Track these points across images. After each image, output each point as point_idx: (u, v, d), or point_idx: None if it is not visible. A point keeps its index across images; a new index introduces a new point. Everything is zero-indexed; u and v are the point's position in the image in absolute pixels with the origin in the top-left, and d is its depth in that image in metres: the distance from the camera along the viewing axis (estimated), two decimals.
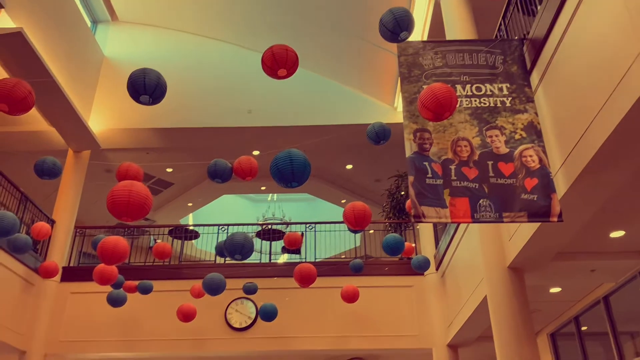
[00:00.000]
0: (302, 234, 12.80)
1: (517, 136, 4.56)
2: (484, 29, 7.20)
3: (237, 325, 9.59)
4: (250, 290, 8.41)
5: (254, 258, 11.52)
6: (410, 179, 4.42)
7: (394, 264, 10.24)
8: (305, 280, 7.06)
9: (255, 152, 11.93)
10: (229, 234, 5.71)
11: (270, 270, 10.16)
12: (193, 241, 12.51)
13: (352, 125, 11.13)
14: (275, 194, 17.24)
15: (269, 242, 11.56)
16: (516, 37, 5.22)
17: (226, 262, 10.21)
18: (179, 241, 11.90)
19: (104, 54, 11.93)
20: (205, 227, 11.14)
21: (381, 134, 5.07)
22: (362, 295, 8.28)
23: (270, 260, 11.01)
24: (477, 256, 6.63)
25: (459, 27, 6.85)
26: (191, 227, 11.72)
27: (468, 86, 4.83)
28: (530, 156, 4.44)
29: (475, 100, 4.76)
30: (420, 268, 8.32)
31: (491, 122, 4.64)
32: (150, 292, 8.33)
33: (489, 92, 4.80)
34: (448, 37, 6.91)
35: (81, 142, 10.95)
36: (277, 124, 11.26)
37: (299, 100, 11.53)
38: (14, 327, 8.86)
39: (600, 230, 5.33)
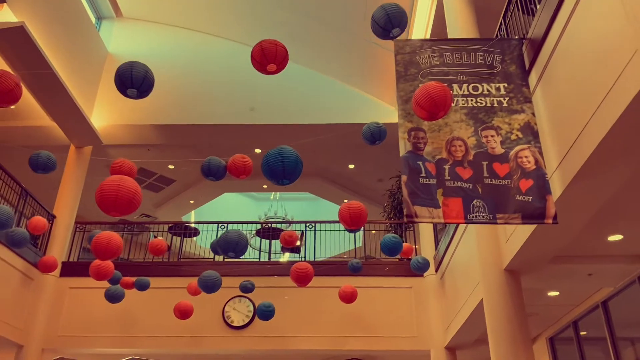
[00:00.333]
0: (302, 233, 12.78)
1: (513, 137, 4.49)
2: (486, 29, 7.13)
3: (234, 324, 9.56)
4: (247, 289, 8.38)
5: (253, 256, 11.54)
6: (404, 178, 4.37)
7: (394, 265, 10.18)
8: (302, 280, 7.03)
9: (257, 150, 11.91)
10: (223, 232, 5.67)
11: (269, 268, 10.12)
12: (194, 238, 12.50)
13: (355, 125, 11.06)
14: (278, 193, 17.22)
15: (269, 241, 11.51)
16: (516, 37, 5.16)
17: (225, 260, 10.19)
18: (180, 238, 11.92)
19: (107, 50, 11.95)
20: (205, 225, 11.13)
21: (376, 134, 5.02)
22: (361, 296, 8.24)
23: (269, 258, 10.97)
24: (474, 258, 6.56)
25: (461, 26, 6.78)
26: (191, 224, 11.71)
27: (465, 85, 4.77)
28: (526, 157, 4.38)
29: (472, 100, 4.70)
30: (420, 269, 8.27)
31: (487, 122, 4.58)
32: (148, 288, 8.33)
33: (485, 92, 4.74)
34: (450, 37, 6.85)
35: (83, 138, 10.97)
36: (279, 121, 11.23)
37: (301, 98, 11.50)
38: (11, 321, 8.89)
39: (598, 234, 5.26)
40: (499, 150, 4.45)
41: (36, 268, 9.30)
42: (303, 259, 10.89)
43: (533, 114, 4.59)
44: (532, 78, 4.81)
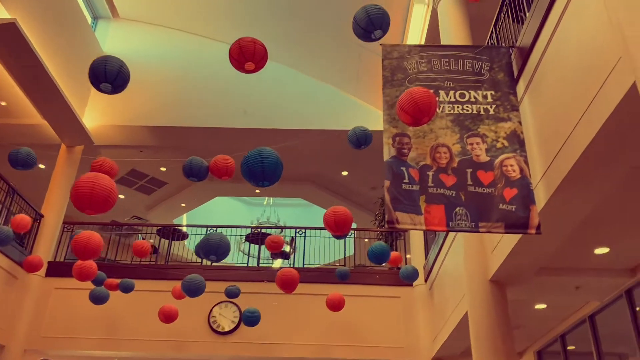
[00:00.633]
0: (292, 239, 12.69)
1: (498, 145, 4.43)
2: (480, 38, 7.10)
3: (220, 329, 9.45)
4: (232, 294, 8.28)
5: (242, 261, 11.43)
6: (387, 183, 4.30)
7: (383, 274, 10.10)
8: (287, 286, 6.93)
9: None
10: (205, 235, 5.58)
11: (257, 274, 10.03)
12: (184, 241, 12.40)
13: (348, 131, 11.02)
14: (271, 199, 17.15)
15: (258, 246, 11.42)
16: (505, 45, 5.12)
17: (213, 264, 10.09)
18: (168, 241, 11.82)
19: (103, 50, 11.90)
20: (195, 228, 11.04)
21: (362, 138, 4.96)
22: (349, 304, 8.15)
23: (258, 264, 10.87)
24: (462, 268, 6.48)
25: (454, 35, 6.76)
26: (179, 227, 11.61)
27: (452, 92, 4.72)
28: (511, 166, 4.31)
29: (458, 107, 4.64)
30: (409, 278, 8.18)
31: (473, 130, 4.52)
32: (132, 290, 8.22)
33: (472, 99, 4.68)
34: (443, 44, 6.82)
35: (74, 137, 10.90)
36: (272, 126, 11.18)
37: (295, 103, 11.46)
38: None
39: (584, 246, 5.19)
40: (484, 158, 4.38)
41: (21, 267, 9.18)
42: (291, 266, 10.79)
43: (520, 123, 4.53)
44: (520, 86, 4.77)
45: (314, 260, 11.26)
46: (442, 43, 6.88)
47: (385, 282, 9.88)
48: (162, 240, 11.61)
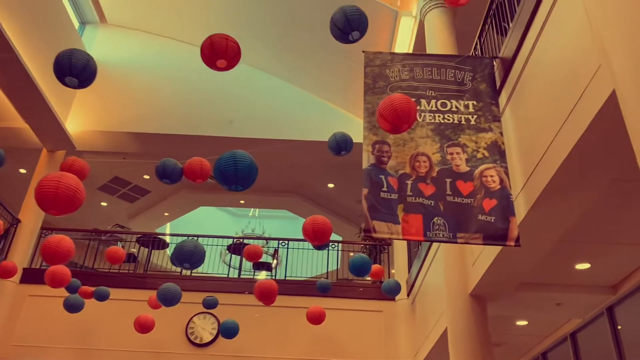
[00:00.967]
0: (275, 250, 12.54)
1: (479, 155, 4.37)
2: (465, 51, 7.08)
3: (197, 341, 9.24)
4: (210, 305, 8.09)
5: (222, 272, 11.24)
6: (365, 191, 4.21)
7: (365, 287, 9.97)
8: (265, 297, 6.78)
9: None
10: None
11: (238, 285, 9.84)
12: (165, 250, 12.19)
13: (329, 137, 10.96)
14: (257, 210, 16.98)
15: (240, 257, 11.24)
16: (488, 56, 5.08)
17: (192, 274, 9.91)
18: (156, 250, 11.61)
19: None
20: (176, 238, 10.85)
21: (342, 144, 4.88)
22: (330, 318, 8.00)
23: (239, 275, 10.69)
24: (442, 282, 6.38)
25: (440, 47, 6.73)
26: (159, 236, 11.42)
27: (433, 101, 4.66)
28: (491, 176, 4.24)
29: (439, 116, 4.58)
30: (391, 292, 8.05)
31: (453, 139, 4.45)
32: (107, 298, 8.00)
33: (454, 109, 4.62)
34: None
35: (56, 142, 10.71)
36: (258, 135, 11.08)
37: (282, 113, 11.39)
38: None
39: (565, 261, 5.12)
40: (464, 168, 4.31)
41: None
42: (274, 278, 10.62)
43: (501, 134, 4.48)
44: (502, 97, 4.72)
45: (298, 273, 11.10)
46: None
47: (368, 296, 9.74)
48: (143, 248, 11.40)
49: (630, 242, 4.71)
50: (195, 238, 10.10)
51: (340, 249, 12.18)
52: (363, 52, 4.92)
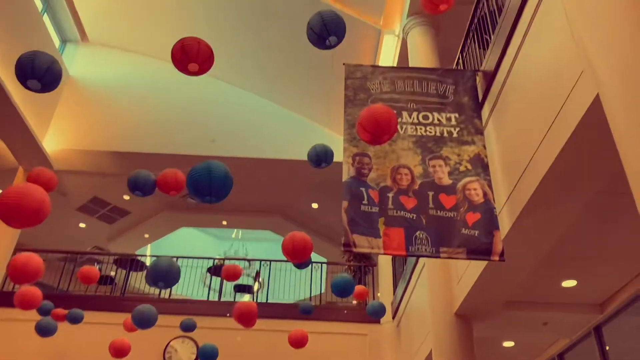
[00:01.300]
0: (258, 273, 12.27)
1: (462, 168, 4.26)
2: (448, 67, 7.08)
3: None
4: (188, 327, 7.80)
5: (202, 295, 10.92)
6: (344, 204, 4.07)
7: (350, 310, 9.74)
8: (245, 320, 6.53)
9: None
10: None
11: (219, 308, 9.55)
12: (144, 272, 11.85)
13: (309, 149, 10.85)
14: (240, 231, 16.71)
15: (220, 279, 10.95)
16: (470, 69, 5.03)
17: (171, 296, 9.61)
18: (134, 272, 11.27)
19: (69, 73, 11.62)
20: (153, 259, 10.56)
21: (322, 155, 4.74)
22: (314, 342, 7.73)
23: (220, 297, 10.40)
24: (427, 302, 6.21)
25: (424, 65, 6.70)
26: (138, 257, 11.11)
27: (415, 114, 4.57)
28: (475, 189, 4.13)
29: (421, 129, 4.48)
30: (376, 315, 7.82)
31: (436, 152, 4.35)
32: (80, 321, 7.68)
33: (436, 121, 4.53)
34: None
35: (33, 161, 10.43)
36: (240, 154, 10.93)
37: (265, 132, 11.28)
38: None
39: (551, 279, 5.00)
40: (447, 181, 4.20)
41: None
42: (256, 301, 10.35)
43: (484, 146, 4.38)
44: (485, 110, 4.65)
45: (281, 297, 10.83)
46: None
47: (352, 319, 9.51)
48: (121, 271, 11.07)
49: (616, 258, 4.61)
50: (175, 259, 9.83)
51: (324, 270, 11.95)
52: (344, 64, 4.83)
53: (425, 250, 3.89)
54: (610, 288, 5.14)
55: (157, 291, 10.12)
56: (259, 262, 10.45)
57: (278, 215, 13.24)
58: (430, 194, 4.12)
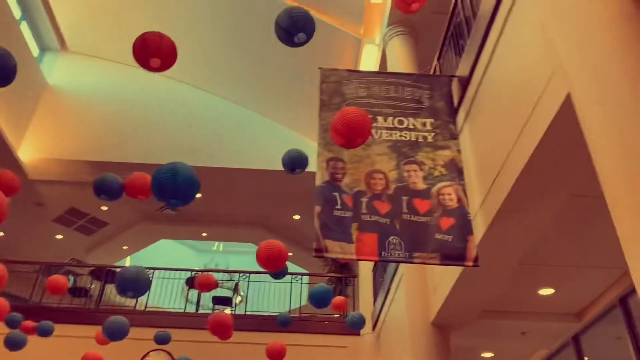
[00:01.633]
0: (237, 284, 12.08)
1: (436, 173, 4.20)
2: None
3: None
4: (162, 340, 7.59)
5: (181, 307, 10.70)
6: (317, 209, 3.98)
7: (331, 322, 9.59)
8: (219, 332, 6.38)
9: (198, 195, 11.39)
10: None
11: (195, 320, 9.33)
12: None
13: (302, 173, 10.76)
14: (221, 244, 16.50)
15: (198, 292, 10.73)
16: (446, 75, 5.01)
17: (147, 309, 9.39)
18: (110, 284, 11.01)
19: (47, 82, 11.45)
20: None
21: (297, 161, 4.65)
22: (293, 355, 7.56)
23: (197, 310, 10.19)
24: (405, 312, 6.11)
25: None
26: (114, 269, 10.87)
27: (390, 118, 4.52)
28: (449, 194, 4.07)
29: (396, 133, 4.43)
30: (355, 326, 7.68)
31: (411, 157, 4.29)
32: (51, 334, 7.43)
33: (411, 126, 4.48)
34: None
35: (3, 168, 10.20)
36: (221, 164, 10.82)
37: (246, 143, 11.20)
38: None
39: (528, 287, 4.94)
40: (421, 185, 4.13)
41: None
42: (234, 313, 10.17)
43: (459, 151, 4.34)
44: (460, 115, 4.61)
45: (264, 310, 10.65)
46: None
47: (332, 331, 9.36)
48: (97, 283, 10.81)
49: (593, 264, 4.57)
50: (152, 270, 9.64)
51: (305, 282, 11.79)
52: (319, 68, 4.78)
53: (399, 255, 3.81)
54: (588, 296, 5.09)
55: (132, 303, 9.89)
56: (237, 274, 10.24)
57: (259, 227, 13.10)
58: (405, 198, 4.05)
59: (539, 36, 3.18)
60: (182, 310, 10.02)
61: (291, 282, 10.32)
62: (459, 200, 4.03)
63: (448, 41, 5.23)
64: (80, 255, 13.95)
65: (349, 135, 3.72)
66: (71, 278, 10.61)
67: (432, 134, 4.44)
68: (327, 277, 10.80)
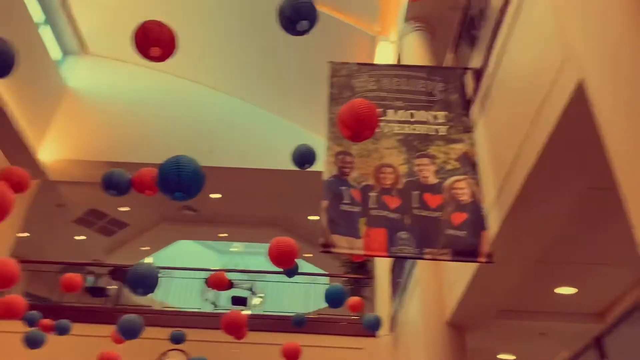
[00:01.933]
0: (253, 285, 12.06)
1: (449, 167, 4.08)
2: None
3: None
4: (177, 339, 7.59)
5: (195, 306, 10.72)
6: (324, 204, 3.90)
7: (348, 323, 9.48)
8: (233, 331, 6.33)
9: (217, 195, 11.44)
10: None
11: (212, 320, 9.31)
12: None
13: (316, 173, 10.70)
14: (242, 245, 16.52)
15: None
16: (460, 67, 4.88)
17: (164, 308, 9.42)
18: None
19: (66, 84, 11.62)
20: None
21: (306, 156, 4.58)
22: (309, 356, 7.50)
23: (215, 309, 10.19)
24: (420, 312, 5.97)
25: None
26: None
27: (401, 112, 4.41)
28: (462, 189, 3.94)
29: (407, 127, 4.32)
30: (371, 327, 7.59)
31: (422, 150, 4.17)
32: (68, 332, 7.50)
33: (423, 119, 4.37)
34: None
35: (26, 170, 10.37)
36: (238, 165, 10.83)
37: (263, 143, 11.17)
38: None
39: (547, 285, 4.76)
40: (432, 180, 4.01)
41: None
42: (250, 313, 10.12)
43: (472, 145, 4.20)
44: (475, 108, 4.48)
45: (282, 310, 10.58)
46: None
47: (348, 333, 9.25)
48: (115, 282, 10.90)
49: (615, 262, 4.37)
50: (171, 270, 9.69)
51: (323, 282, 11.70)
52: (329, 62, 4.70)
53: (409, 251, 3.70)
54: (610, 295, 4.88)
55: (150, 302, 9.95)
56: (255, 274, 10.21)
57: (276, 227, 13.06)
58: (415, 193, 3.94)
59: (551, 23, 3.05)
60: (199, 310, 10.03)
61: (310, 283, 10.24)
62: (473, 194, 3.90)
63: (462, 34, 5.10)
64: (99, 257, 14.13)
65: (357, 127, 3.62)
66: (91, 279, 10.73)
67: (445, 127, 4.31)
68: (345, 278, 10.69)
